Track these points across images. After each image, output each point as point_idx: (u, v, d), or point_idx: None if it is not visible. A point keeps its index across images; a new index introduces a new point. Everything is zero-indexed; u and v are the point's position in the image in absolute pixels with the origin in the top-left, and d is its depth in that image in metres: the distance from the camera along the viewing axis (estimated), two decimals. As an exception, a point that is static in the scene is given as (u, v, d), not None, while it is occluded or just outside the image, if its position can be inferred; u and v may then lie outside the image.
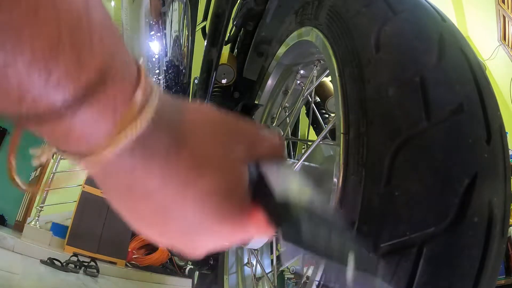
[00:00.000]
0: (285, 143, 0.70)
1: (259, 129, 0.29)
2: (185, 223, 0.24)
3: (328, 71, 0.62)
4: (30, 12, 0.16)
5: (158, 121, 0.22)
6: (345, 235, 0.23)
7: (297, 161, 0.68)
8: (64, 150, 0.21)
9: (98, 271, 2.64)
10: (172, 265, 3.92)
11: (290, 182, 0.25)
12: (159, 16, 0.62)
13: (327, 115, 1.01)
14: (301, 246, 0.21)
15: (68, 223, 3.52)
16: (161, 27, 0.62)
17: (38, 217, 3.48)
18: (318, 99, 1.04)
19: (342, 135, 0.43)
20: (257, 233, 0.26)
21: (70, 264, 2.49)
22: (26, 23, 0.16)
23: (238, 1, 1.08)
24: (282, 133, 0.72)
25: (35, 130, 0.19)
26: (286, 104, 0.94)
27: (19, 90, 0.17)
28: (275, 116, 0.98)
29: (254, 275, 0.92)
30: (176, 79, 0.75)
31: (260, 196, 0.25)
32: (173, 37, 0.68)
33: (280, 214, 0.23)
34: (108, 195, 0.24)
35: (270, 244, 0.96)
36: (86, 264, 2.61)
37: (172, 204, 0.23)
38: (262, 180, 0.25)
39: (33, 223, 3.43)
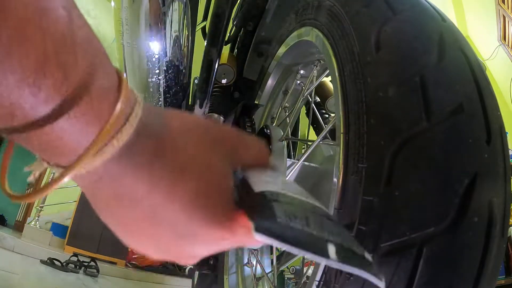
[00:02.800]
0: (285, 143, 0.70)
1: (243, 135, 0.29)
2: (173, 229, 0.24)
3: (328, 71, 0.62)
4: (17, 35, 0.16)
5: (143, 129, 0.22)
6: (326, 227, 0.21)
7: (297, 161, 0.68)
8: (53, 162, 0.21)
9: (98, 271, 2.64)
10: (172, 265, 3.92)
11: (271, 182, 0.25)
12: (158, 19, 0.62)
13: (327, 115, 1.01)
14: (275, 238, 0.20)
15: (68, 223, 3.52)
16: (160, 28, 0.62)
17: (38, 217, 3.49)
18: (318, 99, 1.04)
19: (342, 135, 0.43)
20: (246, 237, 0.25)
21: (70, 264, 2.49)
22: (14, 44, 0.16)
23: (238, 1, 1.08)
24: (282, 133, 0.72)
25: (24, 143, 0.20)
26: (286, 104, 0.94)
27: (9, 104, 0.18)
28: (275, 116, 0.98)
29: (254, 275, 0.92)
30: (176, 79, 0.75)
31: (241, 198, 0.25)
32: (173, 37, 0.68)
33: (254, 206, 0.22)
34: (97, 207, 0.24)
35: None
36: (86, 264, 2.62)
37: (159, 209, 0.23)
38: (244, 184, 0.25)
39: (33, 223, 3.43)
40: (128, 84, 0.22)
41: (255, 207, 0.22)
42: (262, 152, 0.30)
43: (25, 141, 0.20)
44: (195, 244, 0.25)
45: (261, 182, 0.24)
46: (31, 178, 0.24)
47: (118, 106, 0.21)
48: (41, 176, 4.69)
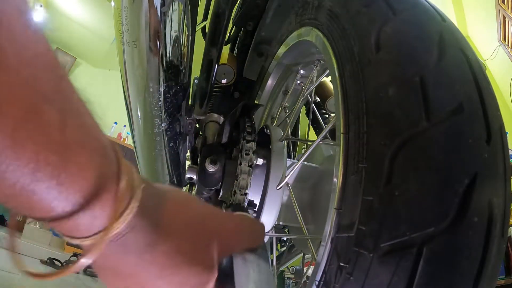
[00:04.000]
0: (285, 143, 0.70)
1: (240, 220, 0.32)
2: None
3: (328, 71, 0.62)
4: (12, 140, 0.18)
5: (137, 222, 0.24)
6: None
7: (297, 161, 0.68)
8: (64, 235, 0.24)
9: (98, 271, 2.63)
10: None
11: (250, 277, 0.28)
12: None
13: (327, 115, 1.01)
14: None
15: (68, 223, 3.51)
16: (160, 30, 0.63)
17: (38, 217, 3.48)
18: (318, 99, 1.04)
19: (342, 135, 0.43)
20: None
21: (70, 264, 2.48)
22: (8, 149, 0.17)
23: (238, 1, 1.08)
24: (282, 133, 0.72)
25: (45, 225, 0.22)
26: (286, 104, 0.94)
27: (36, 203, 0.20)
28: (275, 116, 0.98)
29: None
30: (176, 79, 0.75)
31: None
32: (173, 37, 0.68)
33: None
34: (98, 273, 0.27)
35: (270, 244, 0.96)
36: (86, 264, 2.61)
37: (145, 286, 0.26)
38: (230, 275, 0.28)
39: (33, 223, 3.43)
40: (127, 171, 0.24)
41: None
42: (257, 232, 0.33)
43: (47, 224, 0.22)
44: None
45: (242, 275, 0.27)
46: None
47: (123, 192, 0.23)
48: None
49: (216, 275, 0.28)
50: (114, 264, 0.25)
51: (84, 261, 0.23)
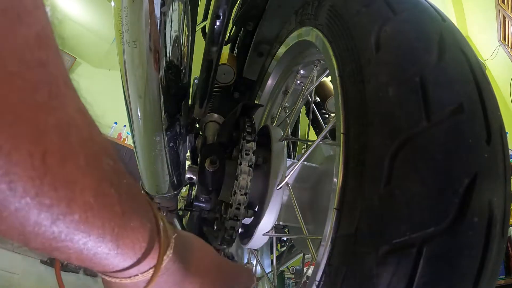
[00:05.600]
0: (285, 143, 0.70)
1: (241, 269, 0.44)
2: None
3: (328, 71, 0.62)
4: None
5: (173, 260, 0.29)
6: None
7: (297, 161, 0.68)
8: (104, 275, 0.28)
9: (98, 271, 2.63)
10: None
11: None
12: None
13: (327, 115, 1.01)
14: None
15: (68, 223, 3.51)
16: (160, 29, 0.63)
17: (38, 217, 3.48)
18: (318, 99, 1.04)
19: (342, 135, 0.43)
20: None
21: (70, 264, 2.49)
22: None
23: (238, 1, 1.08)
24: (282, 133, 0.72)
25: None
26: (286, 104, 0.94)
27: (96, 261, 0.24)
28: (275, 116, 0.98)
29: (254, 275, 0.92)
30: (176, 79, 0.75)
31: None
32: (173, 37, 0.68)
33: None
34: None
35: (270, 244, 0.96)
36: (86, 264, 2.61)
37: None
38: None
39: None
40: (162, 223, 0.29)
41: None
42: (249, 281, 0.45)
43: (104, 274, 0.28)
44: None
45: None
46: None
47: (168, 253, 0.28)
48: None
49: None
50: None
51: None
